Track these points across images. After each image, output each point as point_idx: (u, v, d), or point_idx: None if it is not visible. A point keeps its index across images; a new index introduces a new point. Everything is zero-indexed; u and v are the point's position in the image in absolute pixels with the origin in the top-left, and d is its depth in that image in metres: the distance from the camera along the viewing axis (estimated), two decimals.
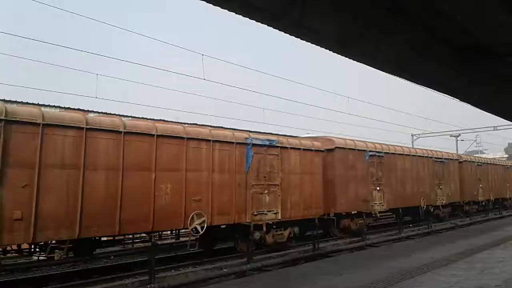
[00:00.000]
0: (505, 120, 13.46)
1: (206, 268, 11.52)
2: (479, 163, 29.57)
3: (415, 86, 7.92)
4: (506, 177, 34.71)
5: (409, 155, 22.05)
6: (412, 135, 48.16)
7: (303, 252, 13.91)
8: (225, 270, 11.20)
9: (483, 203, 29.71)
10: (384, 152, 19.83)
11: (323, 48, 5.31)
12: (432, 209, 23.43)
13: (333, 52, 5.44)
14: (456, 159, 26.73)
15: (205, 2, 3.82)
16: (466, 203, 27.53)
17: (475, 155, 40.45)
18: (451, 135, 48.27)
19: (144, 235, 12.56)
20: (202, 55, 18.35)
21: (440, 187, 24.09)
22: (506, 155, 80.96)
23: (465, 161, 27.80)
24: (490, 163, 32.08)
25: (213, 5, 3.94)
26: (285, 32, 4.83)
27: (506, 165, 35.62)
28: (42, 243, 9.44)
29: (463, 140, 50.76)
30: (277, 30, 4.72)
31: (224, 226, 13.09)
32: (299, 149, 15.38)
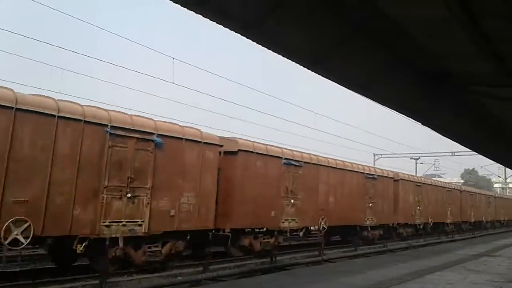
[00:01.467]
0: (463, 147, 13.93)
1: (160, 275, 11.29)
2: (295, 162, 16.75)
3: (378, 106, 8.10)
4: (390, 194, 22.51)
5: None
6: (374, 155, 49.25)
7: (260, 263, 13.88)
8: (179, 278, 11.02)
9: (322, 230, 17.58)
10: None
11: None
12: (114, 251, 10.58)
13: (304, 67, 5.50)
14: (207, 141, 13.40)
15: (180, 5, 3.78)
16: (248, 233, 15.13)
17: (433, 178, 41.51)
18: (411, 157, 49.75)
19: None
20: (173, 58, 18.24)
21: (125, 196, 10.84)
22: (462, 181, 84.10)
23: (249, 151, 15.11)
24: (337, 168, 18.90)
25: (187, 9, 3.90)
26: (257, 43, 4.85)
27: (395, 178, 24.22)
28: None
29: (422, 163, 52.41)
30: (251, 41, 4.73)
31: None
32: None
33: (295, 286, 9.72)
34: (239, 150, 14.84)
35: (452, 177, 79.63)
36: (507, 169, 46.05)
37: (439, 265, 14.20)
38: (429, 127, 8.97)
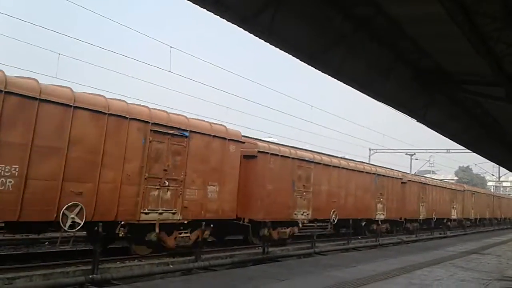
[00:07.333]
0: (457, 144, 14.04)
1: (152, 263, 11.34)
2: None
3: (374, 102, 8.13)
4: None
5: None
6: (370, 149, 49.27)
7: (253, 254, 13.95)
8: (171, 266, 11.07)
9: None
10: None
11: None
12: None
13: (301, 61, 5.51)
14: None
15: None
16: None
17: (426, 175, 41.72)
18: (406, 153, 49.82)
19: None
20: (171, 47, 18.14)
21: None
22: (456, 178, 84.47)
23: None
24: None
25: None
26: (255, 35, 4.85)
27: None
28: None
29: (417, 159, 52.46)
30: (248, 33, 4.73)
31: None
32: None
33: (282, 278, 9.78)
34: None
35: (446, 174, 79.99)
36: (501, 167, 46.33)
37: (428, 261, 14.33)
38: (424, 124, 9.04)
